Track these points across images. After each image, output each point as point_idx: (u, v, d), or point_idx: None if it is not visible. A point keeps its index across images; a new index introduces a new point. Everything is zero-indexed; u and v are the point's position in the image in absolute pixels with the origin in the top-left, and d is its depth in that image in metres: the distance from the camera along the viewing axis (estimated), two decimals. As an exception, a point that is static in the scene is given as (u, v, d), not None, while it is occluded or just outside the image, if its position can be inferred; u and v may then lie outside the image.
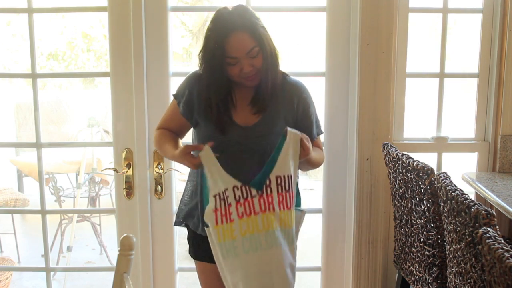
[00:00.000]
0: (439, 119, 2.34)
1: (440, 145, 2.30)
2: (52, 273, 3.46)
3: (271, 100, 1.73)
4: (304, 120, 1.80)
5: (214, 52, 1.61)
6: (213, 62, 1.63)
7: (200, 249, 1.84)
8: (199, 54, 1.68)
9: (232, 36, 1.59)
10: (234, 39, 1.59)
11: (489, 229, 1.19)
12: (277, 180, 1.61)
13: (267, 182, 1.60)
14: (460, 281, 1.49)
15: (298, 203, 1.72)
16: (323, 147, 1.93)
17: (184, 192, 1.88)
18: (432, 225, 1.76)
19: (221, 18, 1.62)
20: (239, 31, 1.59)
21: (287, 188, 1.61)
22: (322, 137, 2.29)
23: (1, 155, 6.04)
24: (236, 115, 1.73)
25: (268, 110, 1.73)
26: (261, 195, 1.60)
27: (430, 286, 1.81)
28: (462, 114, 3.80)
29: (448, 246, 1.60)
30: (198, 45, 6.00)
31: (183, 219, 1.86)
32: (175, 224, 1.93)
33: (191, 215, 1.82)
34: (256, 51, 1.61)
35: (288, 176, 1.61)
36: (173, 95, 1.83)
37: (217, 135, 1.70)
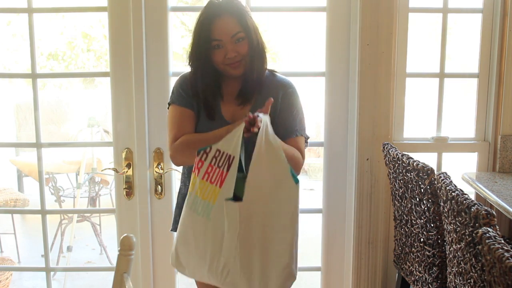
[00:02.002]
0: (439, 119, 2.34)
1: (440, 145, 2.30)
2: (52, 273, 3.46)
3: (259, 96, 1.74)
4: (284, 112, 1.73)
5: (201, 34, 1.65)
6: (200, 48, 1.67)
7: None
8: (189, 46, 1.71)
9: (218, 19, 1.64)
10: (220, 22, 1.64)
11: (489, 229, 1.19)
12: (215, 153, 1.56)
13: (207, 149, 1.56)
14: (460, 281, 1.49)
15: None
16: (304, 151, 1.77)
17: (178, 194, 1.89)
18: (432, 225, 1.76)
19: (210, 5, 1.68)
20: (226, 15, 1.64)
21: (220, 164, 1.55)
22: (322, 137, 2.31)
23: (1, 155, 6.04)
24: (224, 110, 1.74)
25: (255, 106, 1.72)
26: (215, 166, 1.55)
27: (430, 286, 1.81)
28: (462, 114, 3.80)
29: (448, 246, 1.60)
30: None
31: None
32: (172, 230, 1.91)
33: None
34: (240, 36, 1.65)
35: (227, 155, 1.53)
36: (168, 103, 1.82)
37: (207, 131, 1.71)
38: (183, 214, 1.62)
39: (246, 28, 1.65)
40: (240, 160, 1.56)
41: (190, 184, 1.60)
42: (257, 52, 1.70)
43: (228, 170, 1.53)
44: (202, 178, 1.56)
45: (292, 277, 1.60)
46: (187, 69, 1.85)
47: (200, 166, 1.57)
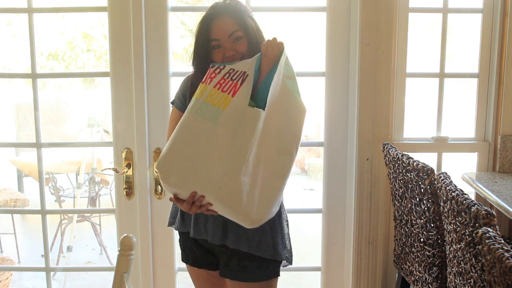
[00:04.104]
0: (439, 119, 2.34)
1: (440, 145, 2.30)
2: (52, 273, 3.46)
3: None
4: None
5: (200, 35, 1.68)
6: (200, 48, 1.69)
7: (186, 253, 1.85)
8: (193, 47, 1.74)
9: (216, 19, 1.66)
10: (217, 22, 1.66)
11: (489, 229, 1.19)
12: (229, 70, 1.62)
13: (222, 66, 1.62)
14: (460, 281, 1.49)
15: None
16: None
17: None
18: (432, 225, 1.76)
19: (211, 7, 1.70)
20: (223, 15, 1.66)
21: (233, 78, 1.61)
22: (322, 137, 2.31)
23: (1, 155, 6.04)
24: None
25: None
26: (228, 79, 1.61)
27: (430, 286, 1.81)
28: (462, 114, 3.80)
29: (448, 246, 1.60)
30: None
31: (173, 219, 1.87)
32: (168, 225, 1.91)
33: (175, 217, 1.84)
34: (238, 35, 1.66)
35: (241, 72, 1.61)
36: (171, 102, 1.85)
37: None
38: (184, 118, 1.59)
39: (244, 26, 1.66)
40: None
41: (198, 91, 1.60)
42: (257, 51, 1.69)
43: (241, 83, 1.59)
44: (214, 86, 1.60)
45: (278, 204, 1.62)
46: (187, 69, 1.86)
47: (213, 77, 1.61)
